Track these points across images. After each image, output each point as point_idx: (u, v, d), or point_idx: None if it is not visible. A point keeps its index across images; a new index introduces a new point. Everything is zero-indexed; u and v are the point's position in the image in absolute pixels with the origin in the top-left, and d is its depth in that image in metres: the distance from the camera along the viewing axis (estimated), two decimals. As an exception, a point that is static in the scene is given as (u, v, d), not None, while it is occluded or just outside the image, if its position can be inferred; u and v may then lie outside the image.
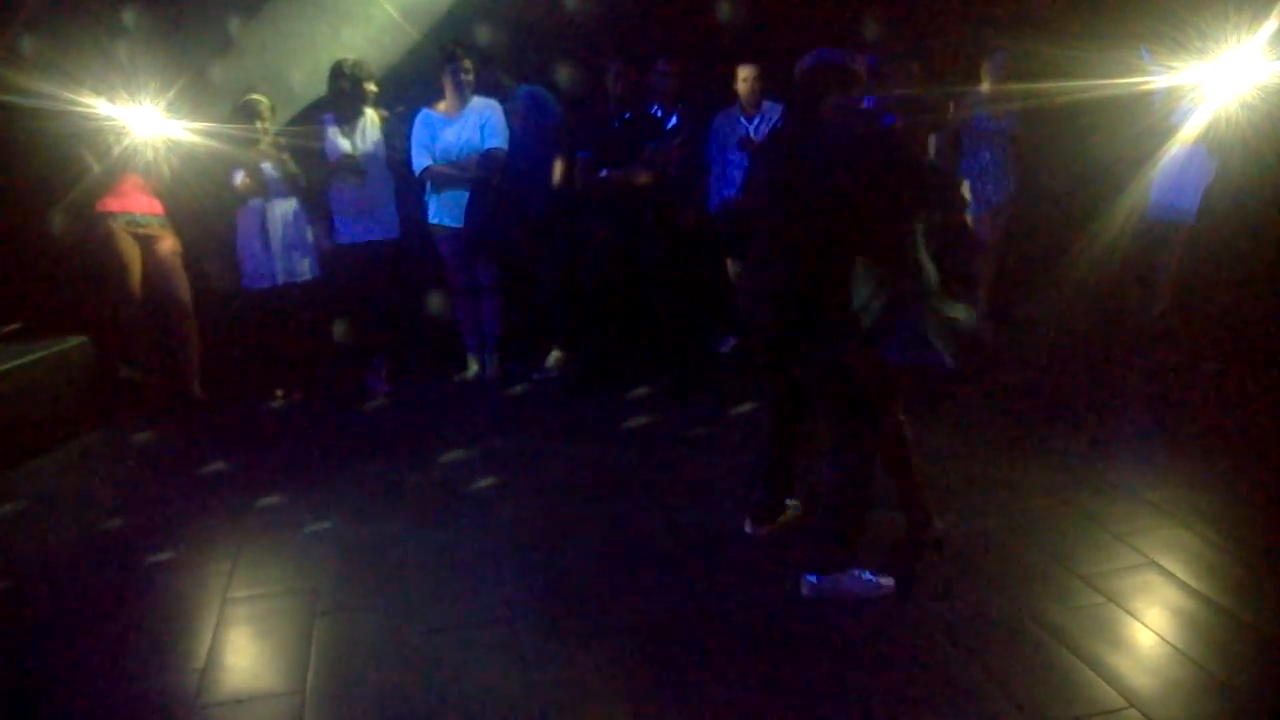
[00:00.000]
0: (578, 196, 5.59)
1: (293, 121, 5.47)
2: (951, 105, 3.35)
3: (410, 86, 5.63)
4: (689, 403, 5.32)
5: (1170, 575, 3.30)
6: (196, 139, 5.07)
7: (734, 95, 5.80)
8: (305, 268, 5.46)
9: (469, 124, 5.43)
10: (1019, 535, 3.61)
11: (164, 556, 3.71)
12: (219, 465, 4.64)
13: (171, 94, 4.98)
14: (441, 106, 5.48)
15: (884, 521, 3.52)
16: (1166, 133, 5.57)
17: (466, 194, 5.47)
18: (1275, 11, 4.69)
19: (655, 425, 4.96)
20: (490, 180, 5.42)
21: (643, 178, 5.40)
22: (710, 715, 2.68)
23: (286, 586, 3.48)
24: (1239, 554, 3.42)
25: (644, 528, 3.84)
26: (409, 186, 5.60)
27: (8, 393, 4.67)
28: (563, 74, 5.63)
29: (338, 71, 5.23)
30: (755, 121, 5.75)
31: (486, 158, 5.41)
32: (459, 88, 5.41)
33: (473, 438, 4.91)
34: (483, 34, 5.55)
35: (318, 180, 5.38)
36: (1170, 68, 5.26)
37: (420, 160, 5.46)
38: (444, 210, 5.55)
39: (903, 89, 3.12)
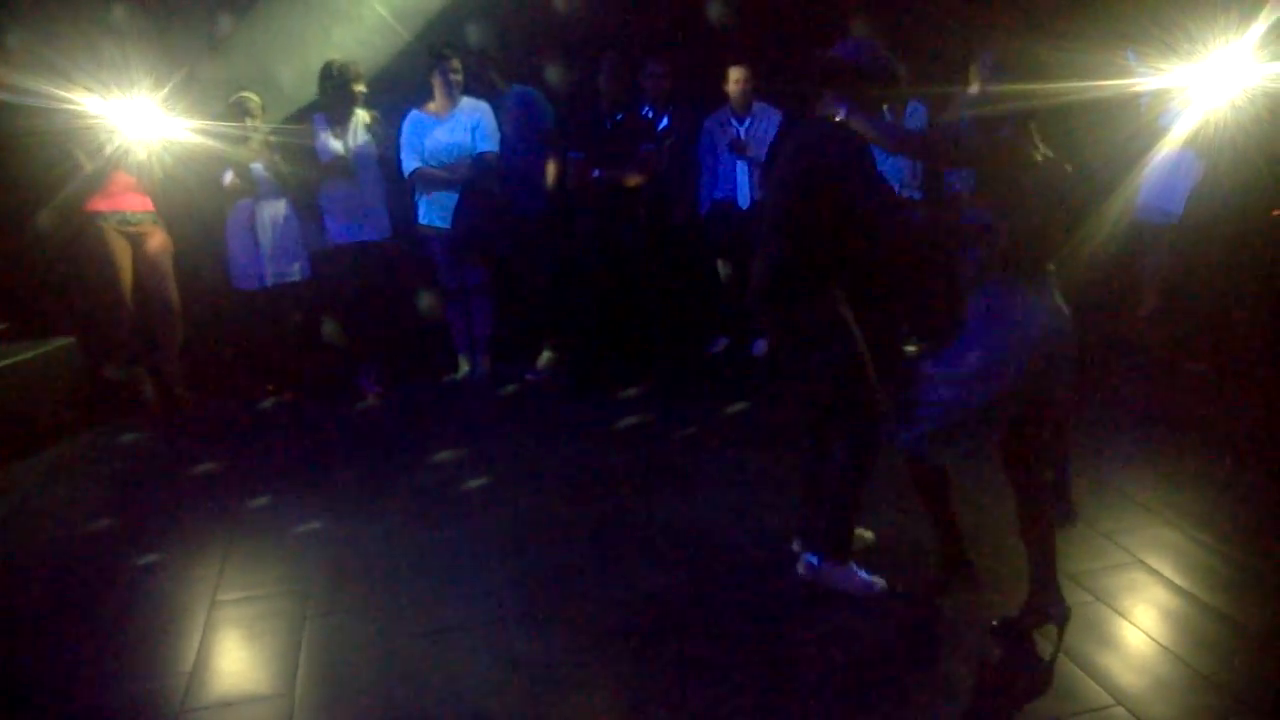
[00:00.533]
0: (569, 197, 5.59)
1: (284, 121, 5.45)
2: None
3: (399, 87, 5.62)
4: (680, 403, 5.32)
5: (1157, 574, 3.31)
6: (188, 137, 5.05)
7: (725, 97, 5.81)
8: (296, 269, 5.45)
9: (459, 125, 5.43)
10: (1007, 534, 3.61)
11: (152, 558, 3.70)
12: (208, 466, 4.62)
13: (164, 92, 4.96)
14: (431, 107, 5.48)
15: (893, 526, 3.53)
16: (1155, 135, 5.58)
17: (456, 195, 5.47)
18: (1262, 14, 4.71)
19: (646, 426, 4.97)
20: (481, 183, 5.42)
21: (634, 179, 5.40)
22: (703, 715, 2.68)
23: (276, 588, 3.47)
24: (1225, 552, 3.44)
25: (635, 528, 3.84)
26: (398, 187, 5.59)
27: (-6, 394, 4.65)
28: (553, 75, 5.63)
29: (326, 73, 5.21)
30: (746, 123, 5.76)
31: (479, 161, 5.42)
32: (448, 88, 5.40)
33: (463, 439, 4.91)
34: (473, 35, 5.54)
35: (312, 180, 5.37)
36: (1158, 70, 5.28)
37: (410, 161, 5.46)
38: (434, 211, 5.55)
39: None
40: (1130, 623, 3.03)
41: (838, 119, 3.05)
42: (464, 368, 5.89)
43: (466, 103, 5.47)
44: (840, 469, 3.24)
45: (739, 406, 4.99)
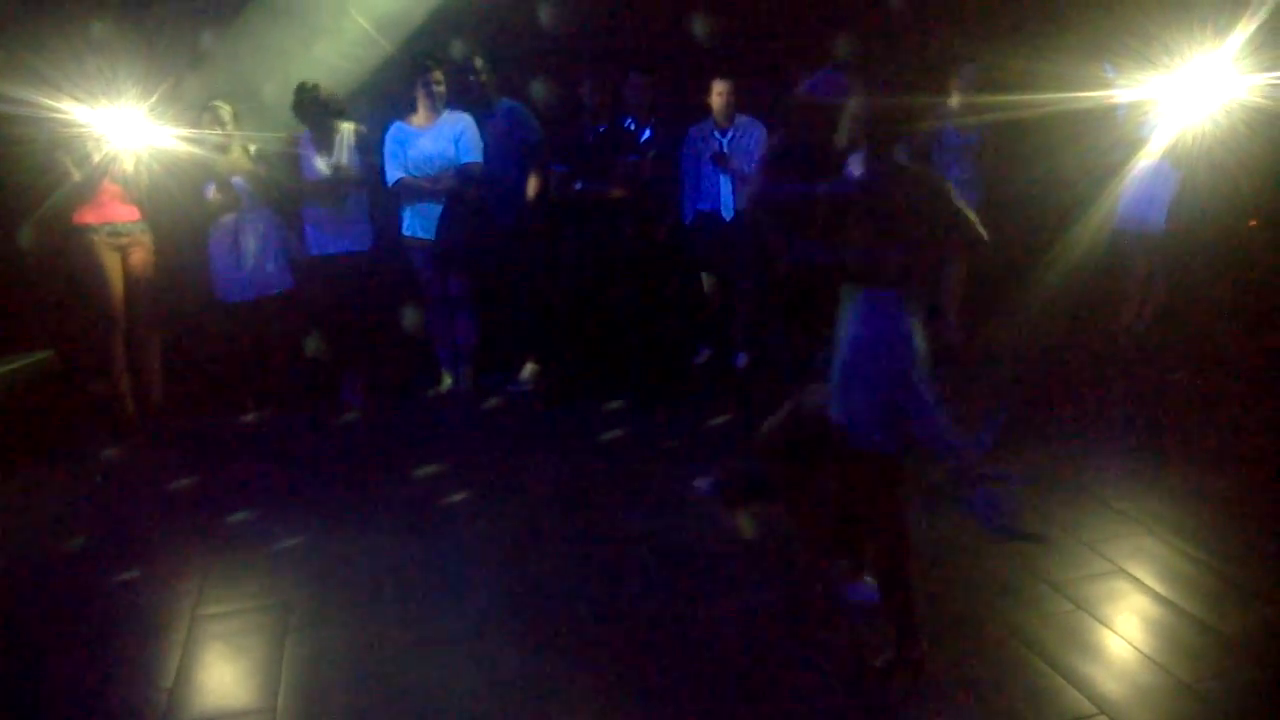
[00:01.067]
0: (552, 209, 5.59)
1: (264, 132, 5.44)
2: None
3: (382, 99, 5.62)
4: (663, 415, 5.32)
5: (1139, 582, 3.33)
6: (175, 147, 5.04)
7: (707, 109, 5.83)
8: (279, 281, 5.43)
9: (442, 136, 5.43)
10: (989, 543, 3.63)
11: (132, 573, 3.66)
12: (189, 480, 4.59)
13: (150, 102, 4.94)
14: (414, 119, 5.48)
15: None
16: (1133, 146, 5.64)
17: (440, 206, 5.47)
18: (1238, 27, 4.77)
19: (630, 437, 4.96)
20: (465, 193, 5.42)
21: (617, 191, 5.41)
22: (685, 727, 2.68)
23: (257, 603, 3.45)
24: (1206, 561, 3.46)
25: (619, 540, 3.84)
26: (381, 197, 5.59)
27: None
28: (537, 87, 5.64)
29: (298, 98, 5.23)
30: (728, 135, 5.78)
31: (463, 172, 5.42)
32: (431, 100, 5.42)
33: (446, 451, 4.89)
34: (458, 48, 5.55)
35: (308, 193, 5.37)
36: (1136, 82, 5.34)
37: (393, 173, 5.46)
38: (417, 222, 5.55)
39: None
40: (1112, 631, 3.05)
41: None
42: (447, 380, 5.87)
43: (449, 114, 5.48)
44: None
45: (722, 419, 4.99)
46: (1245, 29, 4.73)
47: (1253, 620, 3.07)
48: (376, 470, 4.68)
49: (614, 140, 5.49)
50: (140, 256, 5.22)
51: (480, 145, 5.48)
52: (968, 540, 3.60)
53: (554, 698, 2.83)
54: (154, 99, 4.94)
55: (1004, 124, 5.73)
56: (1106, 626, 3.07)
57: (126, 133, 4.96)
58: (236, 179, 5.27)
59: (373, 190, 5.53)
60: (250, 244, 5.34)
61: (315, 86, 5.24)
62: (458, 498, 4.30)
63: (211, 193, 5.27)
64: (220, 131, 5.20)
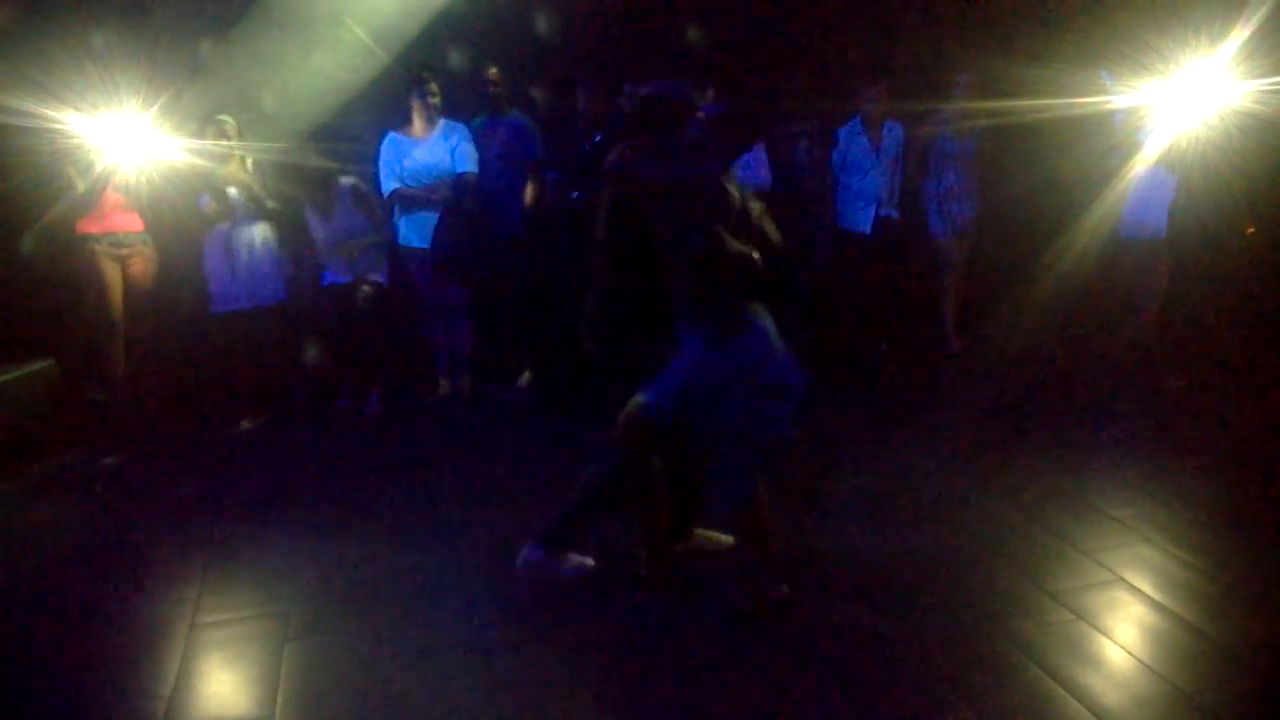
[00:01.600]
0: (548, 218, 5.60)
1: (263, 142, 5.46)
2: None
3: (379, 109, 5.64)
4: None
5: (1138, 592, 3.33)
6: (176, 157, 5.05)
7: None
8: (273, 292, 5.43)
9: (438, 146, 5.45)
10: (988, 552, 3.64)
11: (130, 581, 3.66)
12: (186, 489, 4.60)
13: (151, 112, 4.95)
14: (409, 129, 5.50)
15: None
16: (1130, 152, 5.65)
17: (436, 216, 5.48)
18: (1232, 34, 4.79)
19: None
20: (461, 203, 5.44)
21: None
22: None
23: (256, 611, 3.44)
24: (1206, 570, 3.45)
25: (619, 546, 3.83)
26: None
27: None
28: (534, 96, 5.66)
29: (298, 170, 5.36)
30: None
31: (459, 181, 5.43)
32: (427, 111, 5.44)
33: (444, 459, 4.89)
34: (457, 59, 5.57)
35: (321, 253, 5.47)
36: (1132, 88, 5.35)
37: (389, 183, 5.48)
38: (413, 231, 5.56)
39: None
40: (1111, 640, 3.04)
41: None
42: (444, 387, 5.87)
43: (444, 125, 5.50)
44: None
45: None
46: (1239, 35, 4.75)
47: (1252, 629, 3.07)
48: (373, 478, 4.67)
49: (611, 149, 5.48)
50: (141, 266, 5.23)
51: (475, 156, 5.51)
52: (967, 550, 3.60)
53: (552, 704, 2.82)
54: (155, 109, 4.95)
55: (1000, 130, 5.75)
56: (1106, 636, 3.06)
57: (128, 143, 4.97)
58: (231, 190, 5.28)
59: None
60: (243, 254, 5.34)
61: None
62: (455, 505, 4.30)
63: (206, 203, 5.28)
64: (225, 144, 5.21)
